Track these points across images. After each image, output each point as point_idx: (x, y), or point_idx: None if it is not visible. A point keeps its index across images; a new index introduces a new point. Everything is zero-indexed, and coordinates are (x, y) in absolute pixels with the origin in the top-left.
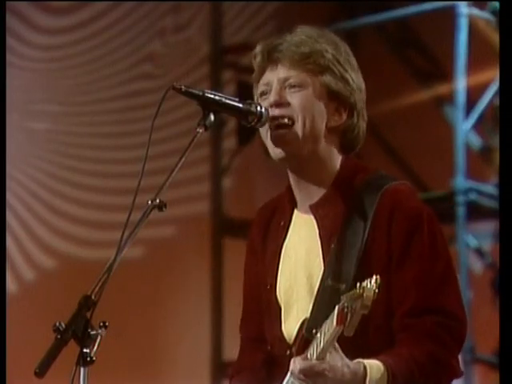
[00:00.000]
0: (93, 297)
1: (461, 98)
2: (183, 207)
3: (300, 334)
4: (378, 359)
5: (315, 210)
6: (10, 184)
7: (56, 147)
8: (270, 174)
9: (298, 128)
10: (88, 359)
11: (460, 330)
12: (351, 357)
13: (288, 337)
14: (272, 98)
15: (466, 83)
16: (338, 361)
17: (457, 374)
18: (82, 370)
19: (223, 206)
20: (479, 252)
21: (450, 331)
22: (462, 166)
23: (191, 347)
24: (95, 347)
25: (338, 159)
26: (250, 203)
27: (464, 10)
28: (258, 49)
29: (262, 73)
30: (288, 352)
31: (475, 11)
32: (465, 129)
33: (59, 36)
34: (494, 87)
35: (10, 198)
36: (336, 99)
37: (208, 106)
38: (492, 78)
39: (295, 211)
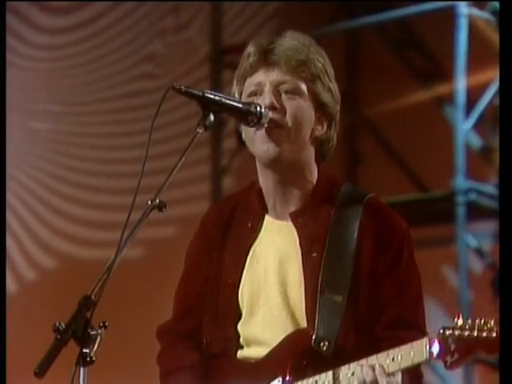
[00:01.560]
0: (93, 297)
1: (461, 98)
2: (183, 207)
3: (293, 342)
4: None
5: (295, 217)
6: (10, 184)
7: (56, 147)
8: None
9: (287, 133)
10: (88, 359)
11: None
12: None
13: (244, 337)
14: (267, 100)
15: (466, 83)
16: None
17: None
18: (81, 370)
19: None
20: (479, 252)
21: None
22: (462, 166)
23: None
24: (95, 347)
25: (314, 168)
26: None
27: (464, 10)
28: (252, 49)
29: (252, 73)
30: (235, 351)
31: (475, 11)
32: (465, 129)
33: (60, 36)
34: (494, 87)
35: (10, 197)
36: (321, 109)
37: (208, 106)
38: (492, 78)
39: (267, 217)
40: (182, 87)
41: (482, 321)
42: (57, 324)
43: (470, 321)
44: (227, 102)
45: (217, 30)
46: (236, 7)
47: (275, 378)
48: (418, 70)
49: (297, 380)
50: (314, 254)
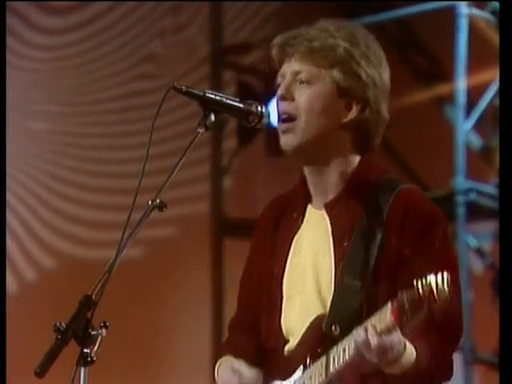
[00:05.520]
0: (93, 297)
1: (461, 98)
2: (183, 207)
3: (312, 329)
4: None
5: (329, 208)
6: (10, 184)
7: (56, 147)
8: (270, 174)
9: (301, 123)
10: (88, 359)
11: (460, 336)
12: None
13: (286, 329)
14: (280, 91)
15: (467, 83)
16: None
17: (451, 376)
18: (82, 370)
19: (223, 206)
20: (479, 252)
21: (453, 333)
22: (462, 166)
23: (191, 347)
24: (96, 347)
25: (354, 158)
26: (249, 203)
27: (464, 10)
28: (275, 41)
29: (279, 65)
30: (283, 345)
31: (475, 11)
32: (465, 129)
33: (59, 36)
34: (494, 87)
35: (10, 198)
36: (347, 95)
37: (208, 106)
38: (492, 78)
39: (309, 206)
40: (183, 87)
41: (425, 279)
42: (57, 324)
43: (418, 282)
44: (228, 101)
45: (217, 30)
46: (236, 7)
47: (298, 368)
48: (418, 70)
49: None
50: (345, 244)
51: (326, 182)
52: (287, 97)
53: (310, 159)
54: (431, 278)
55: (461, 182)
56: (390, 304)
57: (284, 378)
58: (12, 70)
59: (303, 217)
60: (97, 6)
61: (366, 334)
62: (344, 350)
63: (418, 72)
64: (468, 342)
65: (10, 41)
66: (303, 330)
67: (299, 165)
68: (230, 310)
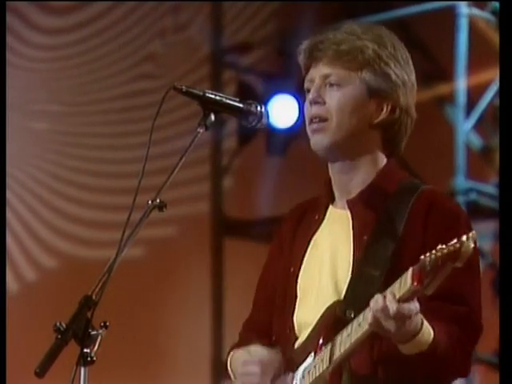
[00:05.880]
0: (93, 297)
1: (461, 97)
2: (183, 207)
3: (326, 315)
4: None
5: (352, 204)
6: (10, 183)
7: (57, 147)
8: (270, 173)
9: (332, 124)
10: (88, 359)
11: (479, 332)
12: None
13: (299, 324)
14: (311, 95)
15: (467, 83)
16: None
17: (467, 373)
18: (82, 369)
19: (223, 205)
20: (479, 252)
21: (474, 327)
22: (463, 166)
23: (191, 347)
24: (96, 347)
25: (381, 159)
26: (250, 203)
27: (464, 10)
28: (303, 46)
29: (307, 70)
30: (294, 342)
31: (475, 11)
32: (465, 129)
33: (60, 36)
34: (494, 87)
35: (10, 197)
36: (377, 96)
37: (208, 106)
38: (492, 78)
39: (330, 207)
40: (183, 87)
41: (447, 245)
42: (57, 324)
43: (441, 245)
44: (228, 101)
45: (217, 30)
46: (236, 7)
47: (309, 354)
48: (419, 70)
49: None
50: (365, 237)
51: (351, 182)
52: (319, 100)
53: (339, 159)
54: (456, 239)
55: (461, 182)
56: (410, 269)
57: (295, 368)
58: (12, 70)
59: (324, 217)
60: (97, 6)
61: (385, 301)
62: (351, 333)
63: (418, 72)
64: None
65: (10, 40)
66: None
67: (329, 163)
68: (230, 309)
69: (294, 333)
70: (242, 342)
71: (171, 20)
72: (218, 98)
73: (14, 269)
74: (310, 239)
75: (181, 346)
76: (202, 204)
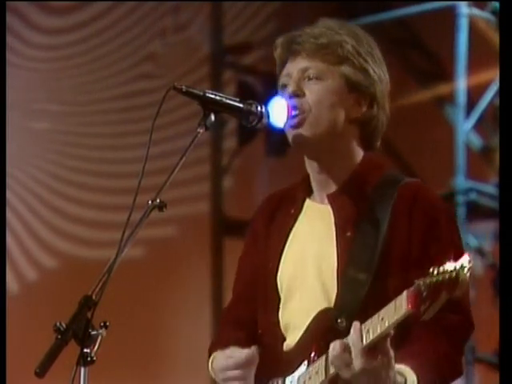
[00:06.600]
0: (93, 297)
1: (461, 97)
2: (183, 207)
3: (317, 322)
4: (409, 367)
5: (332, 199)
6: (10, 183)
7: (57, 147)
8: (270, 173)
9: (312, 118)
10: (88, 359)
11: (469, 331)
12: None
13: (285, 323)
14: (289, 88)
15: (467, 83)
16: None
17: (461, 374)
18: (82, 369)
19: (223, 205)
20: (480, 252)
21: (463, 331)
22: (463, 166)
23: (191, 347)
24: (96, 347)
25: (358, 153)
26: (249, 203)
27: (464, 10)
28: (279, 41)
29: (283, 65)
30: (281, 340)
31: (475, 11)
32: (465, 129)
33: (60, 36)
34: (494, 87)
35: (11, 197)
36: (356, 90)
37: (209, 106)
38: (492, 78)
39: (307, 201)
40: (183, 87)
41: (444, 266)
42: (57, 324)
43: (435, 269)
44: (228, 101)
45: (217, 30)
46: (236, 7)
47: (302, 363)
48: (419, 69)
49: None
50: (349, 234)
51: (329, 176)
52: (298, 93)
53: (317, 153)
54: (450, 264)
55: (461, 182)
56: (405, 292)
57: (286, 373)
58: (12, 70)
59: (300, 211)
60: (97, 6)
61: (342, 349)
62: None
63: (418, 72)
64: (468, 342)
65: (10, 40)
66: (306, 323)
67: (308, 158)
68: None
69: (280, 330)
70: (223, 340)
71: (171, 20)
72: (218, 98)
73: (14, 269)
74: (288, 234)
75: (181, 346)
76: (202, 204)
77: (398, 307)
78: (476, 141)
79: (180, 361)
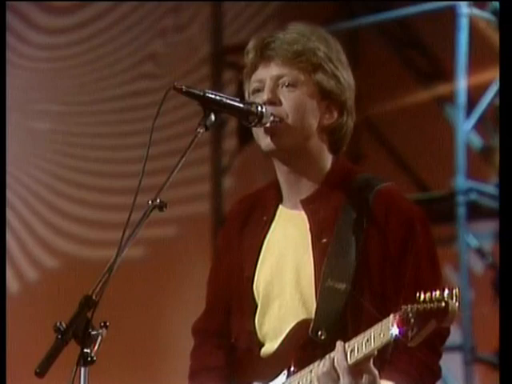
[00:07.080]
0: (94, 297)
1: (461, 97)
2: (183, 207)
3: (296, 333)
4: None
5: (306, 204)
6: (11, 183)
7: (57, 147)
8: (270, 174)
9: (288, 126)
10: (89, 359)
11: (447, 335)
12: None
13: (262, 331)
14: (265, 95)
15: (467, 83)
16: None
17: (440, 377)
18: (82, 369)
19: (223, 206)
20: (480, 252)
21: (441, 336)
22: (463, 166)
23: (191, 347)
24: (96, 347)
25: (328, 158)
26: None
27: (464, 10)
28: (251, 45)
29: (254, 69)
30: (258, 347)
31: (476, 11)
32: (465, 129)
33: (60, 36)
34: (494, 87)
35: (11, 197)
36: (328, 97)
37: (209, 106)
38: (492, 78)
39: (280, 207)
40: (183, 87)
41: (434, 293)
42: (58, 324)
43: (423, 295)
44: (228, 101)
45: (217, 30)
46: (236, 7)
47: (282, 372)
48: (419, 69)
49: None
50: (324, 240)
51: (301, 182)
52: (275, 101)
53: (290, 160)
54: (439, 292)
55: (461, 181)
56: (391, 316)
57: (263, 379)
58: (13, 70)
59: (273, 218)
60: (97, 6)
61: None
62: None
63: (418, 72)
64: (468, 342)
65: (10, 40)
66: (284, 332)
67: (278, 163)
68: None
69: (256, 336)
70: (197, 348)
71: (171, 20)
72: (218, 97)
73: (15, 268)
74: (262, 241)
75: (181, 346)
76: (202, 204)
77: (385, 330)
78: (476, 141)
79: (180, 361)
